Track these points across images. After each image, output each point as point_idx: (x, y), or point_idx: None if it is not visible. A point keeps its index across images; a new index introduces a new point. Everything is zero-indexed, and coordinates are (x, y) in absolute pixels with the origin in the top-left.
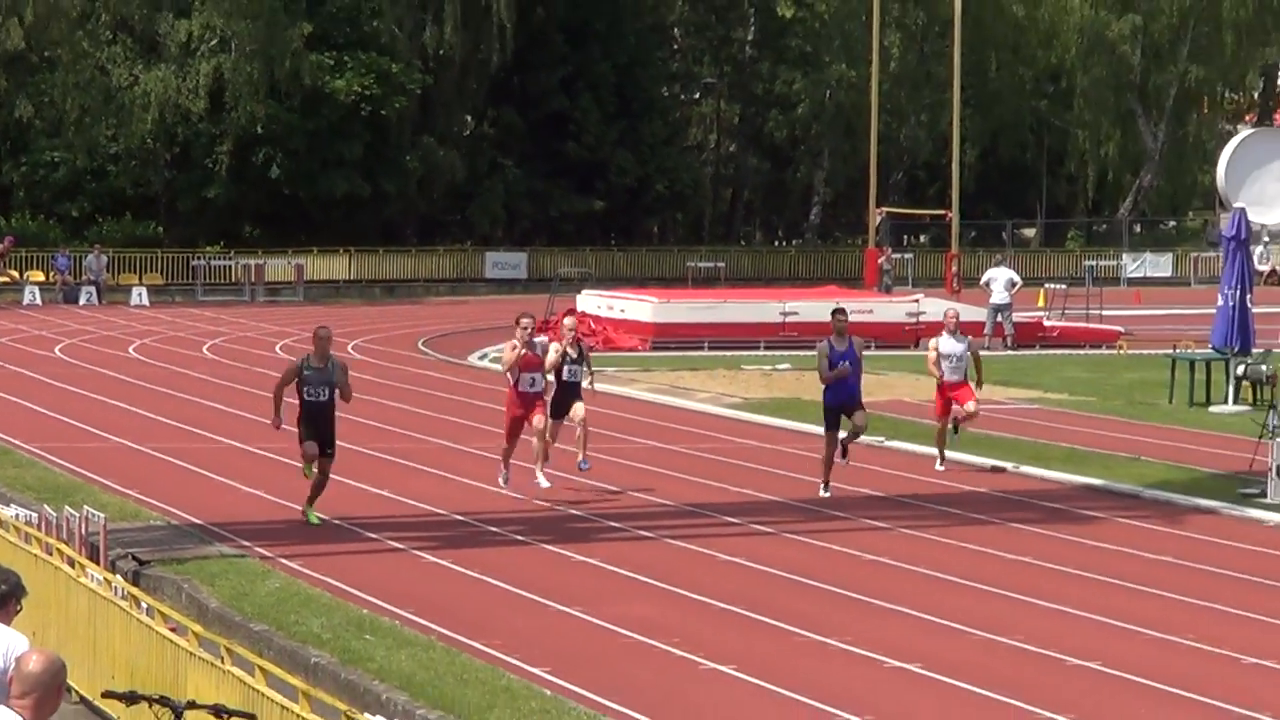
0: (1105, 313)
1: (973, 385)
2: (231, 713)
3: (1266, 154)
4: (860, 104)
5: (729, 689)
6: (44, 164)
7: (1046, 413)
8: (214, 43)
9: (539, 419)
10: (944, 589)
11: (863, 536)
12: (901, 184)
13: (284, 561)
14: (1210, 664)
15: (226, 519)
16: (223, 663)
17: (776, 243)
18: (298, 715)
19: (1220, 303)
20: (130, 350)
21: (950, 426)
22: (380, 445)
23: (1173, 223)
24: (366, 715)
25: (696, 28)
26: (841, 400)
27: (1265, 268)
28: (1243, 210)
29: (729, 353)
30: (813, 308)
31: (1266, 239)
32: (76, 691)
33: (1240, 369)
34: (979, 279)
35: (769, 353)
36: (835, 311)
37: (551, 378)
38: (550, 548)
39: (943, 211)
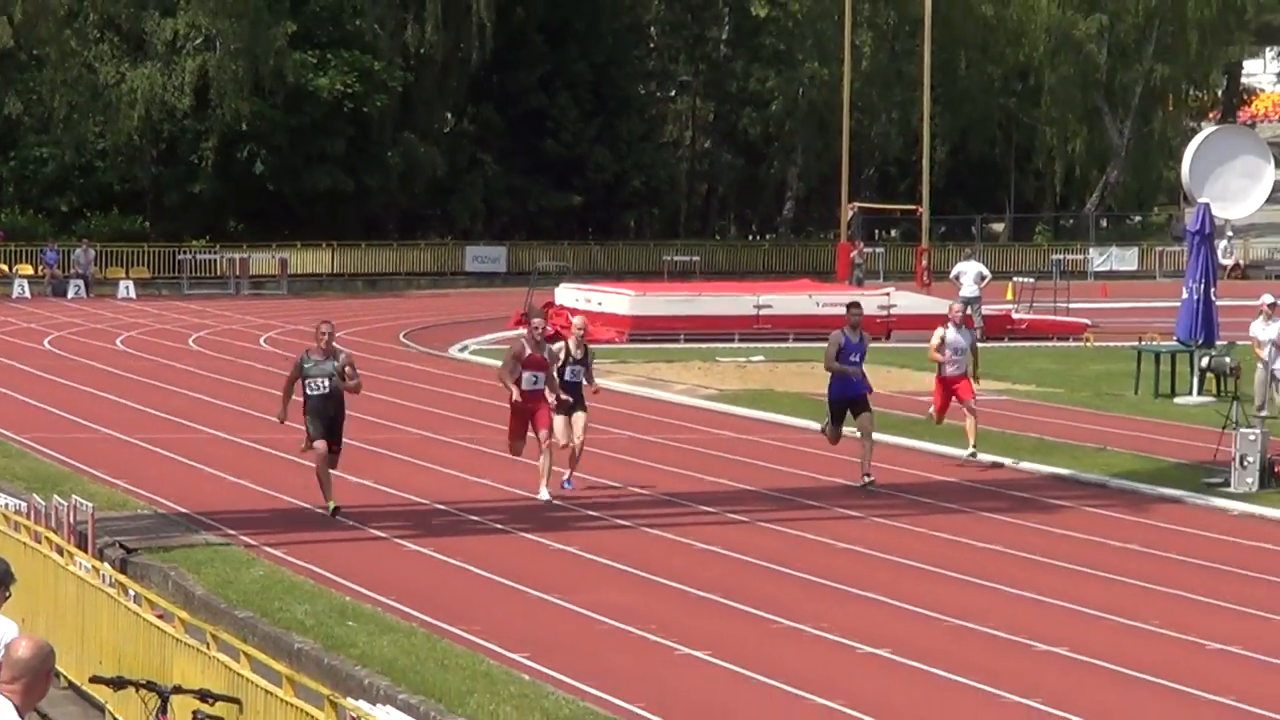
0: (1072, 306)
1: (970, 379)
2: (217, 697)
3: (1229, 150)
4: (832, 101)
5: (704, 674)
6: (33, 160)
7: (1015, 403)
8: (199, 41)
9: (544, 432)
10: (915, 576)
11: (836, 525)
12: (873, 180)
13: (268, 549)
14: (1175, 649)
15: (212, 508)
16: (208, 648)
17: (750, 237)
18: (282, 700)
19: (1185, 296)
20: (118, 343)
21: (970, 447)
22: (363, 436)
23: (1138, 218)
24: (349, 700)
25: (672, 27)
26: (846, 395)
27: (1229, 262)
28: (1207, 205)
29: (704, 345)
30: (786, 301)
31: (1230, 233)
32: (65, 677)
33: (1204, 361)
34: (949, 273)
35: (743, 345)
36: (850, 305)
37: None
38: (529, 536)
39: (913, 207)
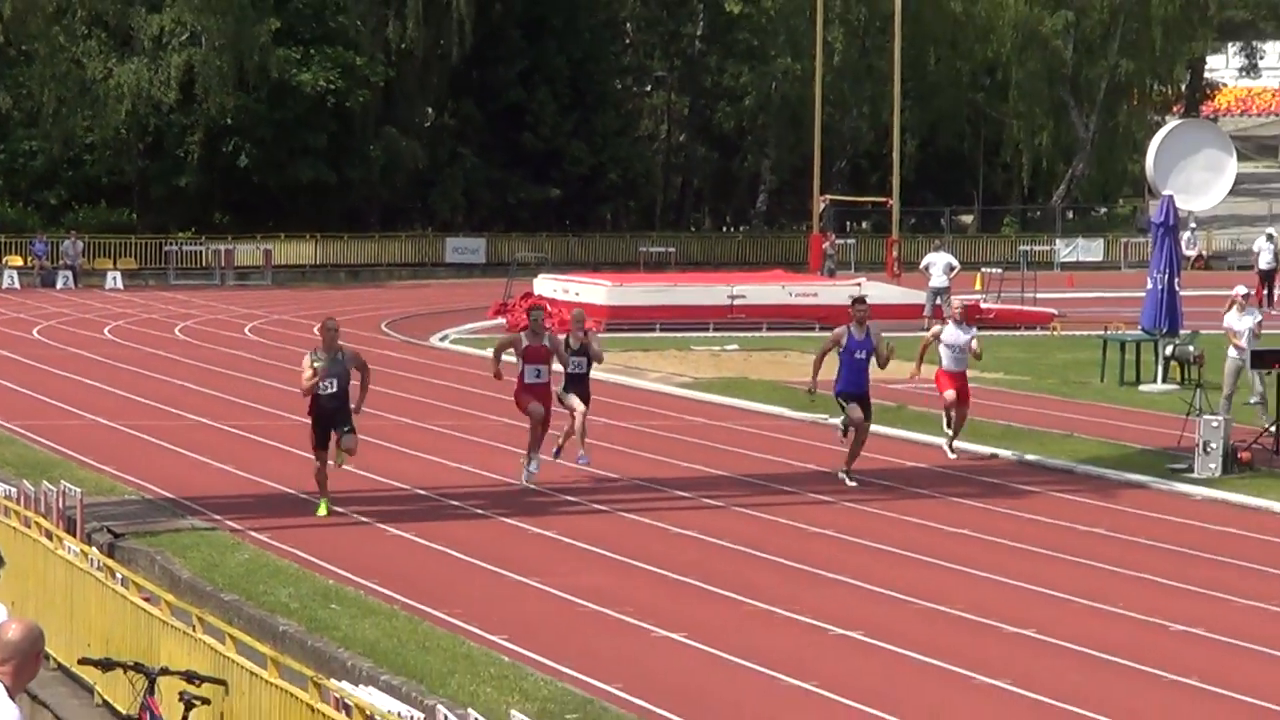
0: (1039, 296)
1: (967, 379)
2: (203, 679)
3: (1193, 144)
4: (805, 96)
5: (680, 655)
6: (22, 153)
7: (983, 391)
8: (185, 37)
9: (535, 405)
10: (886, 560)
11: (809, 510)
12: (844, 172)
13: (253, 534)
14: (1140, 631)
15: (198, 493)
16: (194, 631)
17: (725, 229)
18: (266, 681)
19: (1149, 286)
20: (105, 332)
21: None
22: None
23: (1104, 209)
24: (333, 681)
25: (648, 23)
26: (851, 390)
27: (1192, 252)
28: (1171, 198)
29: (679, 334)
30: (759, 291)
31: (1193, 225)
32: (54, 659)
33: (1169, 349)
34: (919, 263)
35: (718, 334)
36: (855, 301)
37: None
38: (508, 521)
39: (884, 199)
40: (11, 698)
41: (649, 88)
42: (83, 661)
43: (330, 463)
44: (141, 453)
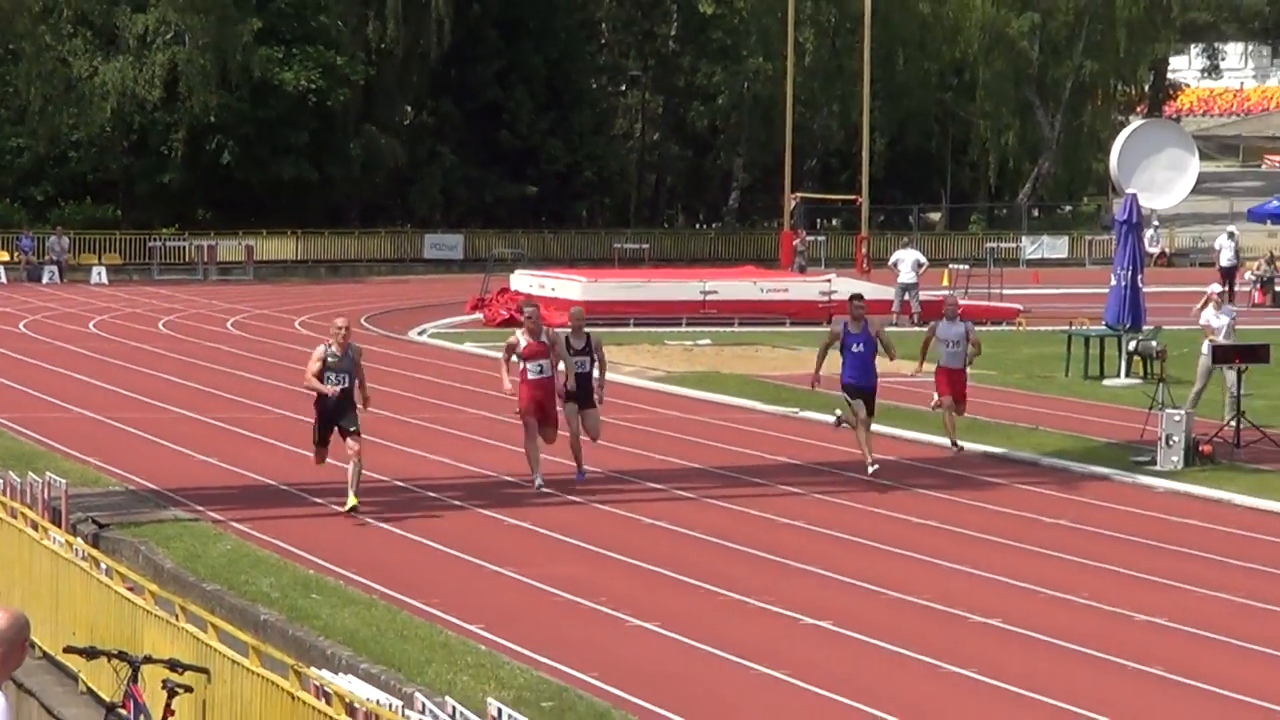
0: (1005, 292)
1: (966, 376)
2: (186, 667)
3: (1156, 143)
4: (776, 95)
5: (654, 644)
6: (9, 150)
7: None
8: (169, 36)
9: (549, 430)
10: (855, 551)
11: (779, 501)
12: (815, 171)
13: (235, 525)
14: (1104, 621)
15: (181, 485)
16: (177, 620)
17: (698, 226)
18: (248, 669)
19: (1113, 282)
20: (90, 326)
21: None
22: None
23: (1069, 207)
24: (313, 669)
25: (623, 24)
26: (857, 384)
27: (1155, 250)
28: (1134, 196)
29: (653, 329)
30: (731, 287)
31: (1156, 223)
32: (40, 647)
33: (1132, 345)
34: (888, 260)
35: (690, 329)
36: (853, 296)
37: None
38: (485, 512)
39: (853, 196)
40: None
41: (624, 87)
42: (68, 650)
43: (347, 465)
44: (126, 445)
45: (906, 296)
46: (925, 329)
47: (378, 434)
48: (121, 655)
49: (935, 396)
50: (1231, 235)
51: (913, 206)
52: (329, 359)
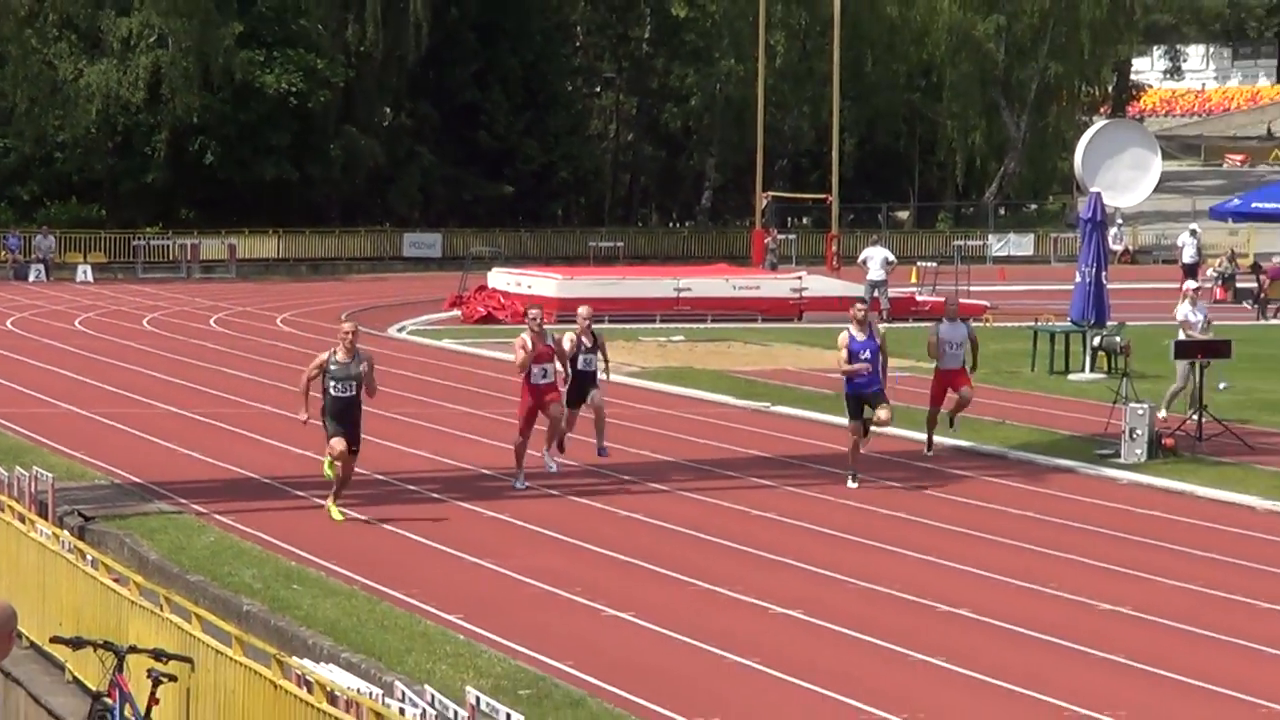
0: (973, 288)
1: (967, 370)
2: (170, 656)
3: (1119, 143)
4: (748, 97)
5: (629, 633)
6: None
7: (919, 380)
8: (152, 39)
9: (555, 407)
10: (825, 542)
11: (751, 494)
12: (786, 170)
13: (218, 517)
14: (1070, 610)
15: (165, 478)
16: (162, 610)
17: (671, 224)
18: (231, 659)
19: (1078, 279)
20: (76, 323)
21: (947, 418)
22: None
23: (1034, 206)
24: (295, 659)
25: (597, 26)
26: (860, 389)
27: (1119, 247)
28: (1098, 194)
29: (628, 325)
30: (704, 284)
31: (1120, 221)
32: (27, 637)
33: (1096, 340)
34: (857, 257)
35: (664, 325)
36: (857, 301)
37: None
38: (463, 504)
39: (823, 195)
40: None
41: (598, 88)
42: (54, 640)
43: (336, 466)
44: (111, 439)
45: (876, 293)
46: (930, 332)
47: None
48: (107, 645)
49: (931, 404)
50: (1194, 233)
51: (882, 205)
52: (331, 366)
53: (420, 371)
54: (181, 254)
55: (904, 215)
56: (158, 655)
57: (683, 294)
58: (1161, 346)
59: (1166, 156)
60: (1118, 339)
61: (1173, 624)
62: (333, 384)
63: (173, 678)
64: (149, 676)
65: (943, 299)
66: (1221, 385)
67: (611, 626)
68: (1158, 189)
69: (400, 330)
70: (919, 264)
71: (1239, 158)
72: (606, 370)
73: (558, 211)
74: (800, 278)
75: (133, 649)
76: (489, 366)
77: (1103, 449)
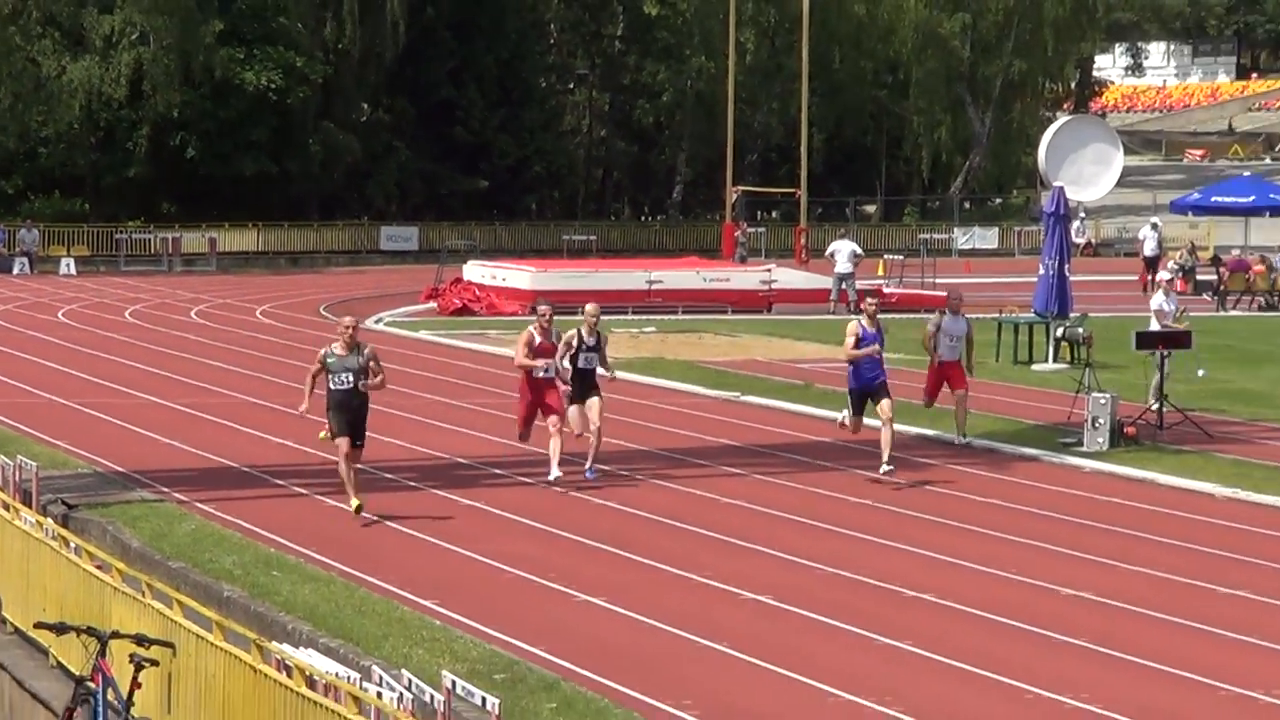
0: (938, 280)
1: (964, 368)
2: (152, 641)
3: (1082, 139)
4: (718, 93)
5: (601, 618)
6: None
7: (886, 370)
8: (134, 36)
9: (554, 418)
10: (793, 529)
11: (721, 482)
12: (755, 165)
13: (199, 505)
14: (1033, 595)
15: (147, 467)
16: (144, 596)
17: (643, 218)
18: (212, 644)
19: (1041, 271)
20: (60, 315)
21: (958, 433)
22: (285, 399)
23: (998, 200)
24: (274, 644)
25: (571, 24)
26: (865, 383)
27: (1081, 240)
28: (1061, 189)
29: (605, 318)
30: (675, 277)
31: (1083, 215)
32: (11, 623)
33: (1059, 331)
34: (825, 250)
35: (636, 317)
36: (868, 294)
37: (567, 363)
38: (439, 492)
39: (792, 189)
40: None
41: (572, 85)
42: (38, 626)
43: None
44: (94, 429)
45: (844, 286)
46: (929, 324)
47: None
48: (90, 630)
49: (925, 397)
50: (1154, 226)
51: (849, 199)
52: (329, 360)
53: (397, 362)
54: (163, 247)
55: (871, 209)
56: (140, 640)
57: (654, 286)
58: (1123, 337)
59: (1128, 152)
60: (1080, 330)
61: (1134, 608)
62: (331, 377)
63: (154, 662)
64: (131, 661)
65: (911, 291)
66: (1200, 373)
67: (585, 611)
68: (1119, 183)
69: (378, 322)
70: (886, 257)
71: (1199, 153)
72: (610, 369)
73: (532, 205)
74: (769, 270)
75: (115, 634)
76: (465, 357)
77: (1066, 437)
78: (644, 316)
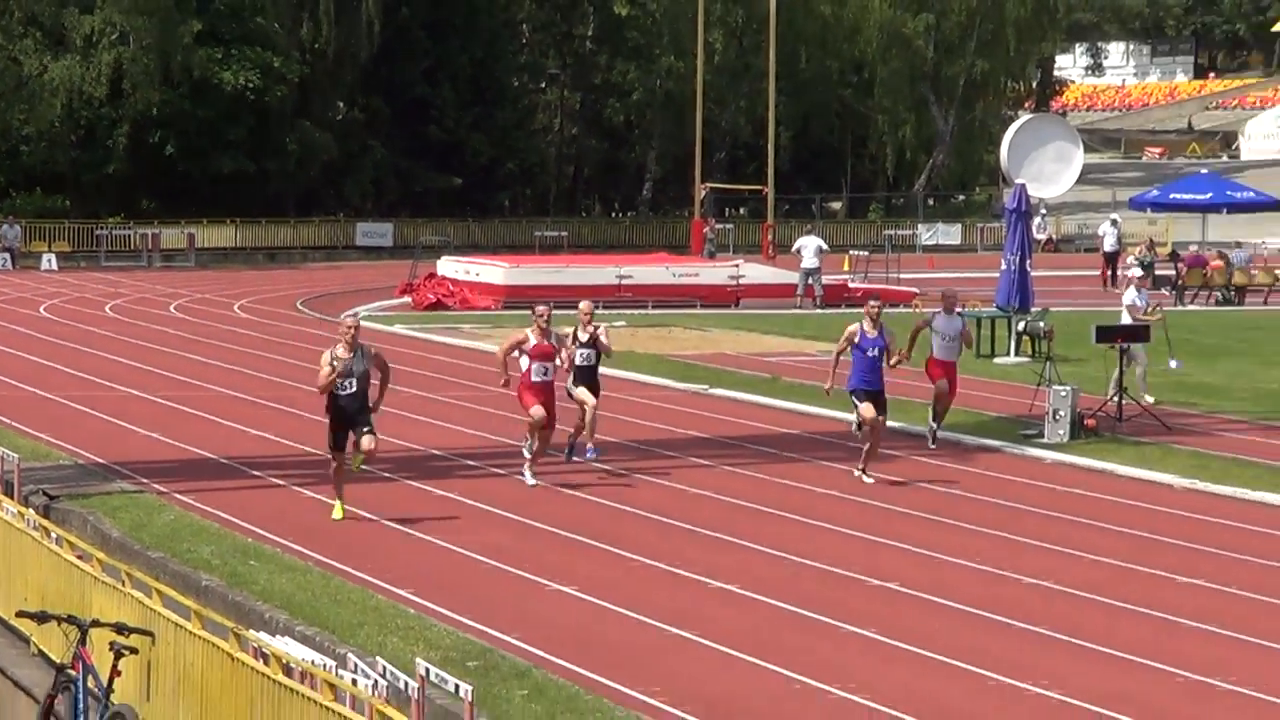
0: (902, 276)
1: (956, 373)
2: (132, 630)
3: (1043, 137)
4: (687, 92)
5: (572, 607)
6: None
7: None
8: (114, 36)
9: (539, 410)
10: (760, 519)
11: (690, 473)
12: (723, 162)
13: (178, 496)
14: (994, 584)
15: (127, 459)
16: (123, 586)
17: (613, 214)
18: (190, 632)
19: (1003, 267)
20: (41, 310)
21: (931, 424)
22: (262, 392)
23: (961, 197)
24: (252, 632)
25: (543, 25)
26: (862, 386)
27: (1042, 236)
28: (1023, 186)
29: (572, 311)
30: (645, 272)
31: (1044, 211)
32: None
33: (1021, 325)
34: (791, 246)
35: (607, 311)
36: (870, 298)
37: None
38: (414, 483)
39: (760, 187)
40: None
41: (544, 84)
42: (20, 614)
43: (348, 465)
44: (75, 421)
45: (810, 281)
46: (917, 317)
47: (311, 410)
48: (71, 619)
49: (936, 384)
50: (1114, 222)
51: (815, 196)
52: (334, 363)
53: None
54: (143, 243)
55: (837, 206)
56: (120, 629)
57: (624, 281)
58: (1083, 331)
59: (1088, 149)
60: (1041, 324)
61: (1093, 597)
62: (338, 381)
63: (134, 650)
64: (111, 649)
65: (876, 286)
66: (1174, 364)
67: (556, 600)
68: (1080, 180)
69: (353, 316)
70: (851, 252)
71: (1157, 150)
72: (608, 353)
73: (504, 202)
74: (737, 265)
75: (95, 623)
76: (439, 351)
77: (1027, 429)
78: (614, 311)
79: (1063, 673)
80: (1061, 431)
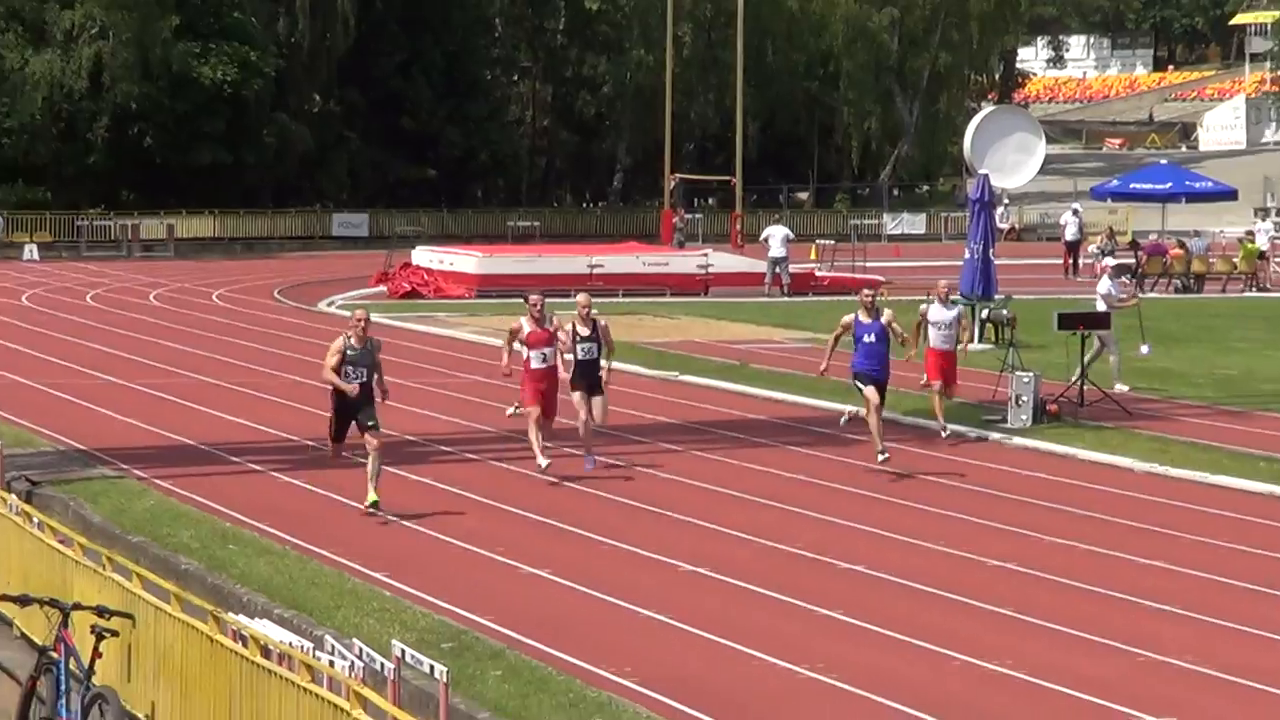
0: (868, 264)
1: (956, 362)
2: (112, 613)
3: (1006, 128)
4: (657, 85)
5: (545, 590)
6: None
7: (818, 350)
8: (94, 31)
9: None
10: (729, 503)
11: (659, 457)
12: (692, 154)
13: (158, 482)
14: (959, 566)
15: (108, 445)
16: (104, 570)
17: (584, 205)
18: (170, 615)
19: (967, 255)
20: (23, 299)
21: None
22: (241, 380)
23: (926, 187)
24: (230, 614)
25: (515, 19)
26: (868, 370)
27: (1005, 225)
28: (986, 176)
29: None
30: (616, 261)
31: (1006, 201)
32: None
33: (984, 313)
34: (759, 235)
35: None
36: (865, 286)
37: (569, 357)
38: (389, 469)
39: (728, 177)
40: None
41: (516, 77)
42: (2, 598)
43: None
44: (56, 408)
45: (777, 269)
46: (919, 311)
47: (290, 396)
48: (53, 602)
49: (924, 378)
50: (1075, 212)
51: (783, 186)
52: (348, 352)
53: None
54: (123, 234)
55: (804, 196)
56: (101, 612)
57: (596, 270)
58: (1046, 318)
59: (1050, 140)
60: (1004, 311)
61: (1056, 578)
62: (349, 370)
63: (115, 633)
64: (92, 632)
65: (842, 275)
66: (1144, 349)
67: (529, 583)
68: (1042, 171)
69: (329, 305)
70: (818, 242)
71: (1118, 141)
72: (608, 357)
73: (478, 193)
74: (706, 255)
75: (77, 606)
76: (414, 339)
77: (990, 414)
78: None
79: (1025, 652)
80: (1024, 417)
